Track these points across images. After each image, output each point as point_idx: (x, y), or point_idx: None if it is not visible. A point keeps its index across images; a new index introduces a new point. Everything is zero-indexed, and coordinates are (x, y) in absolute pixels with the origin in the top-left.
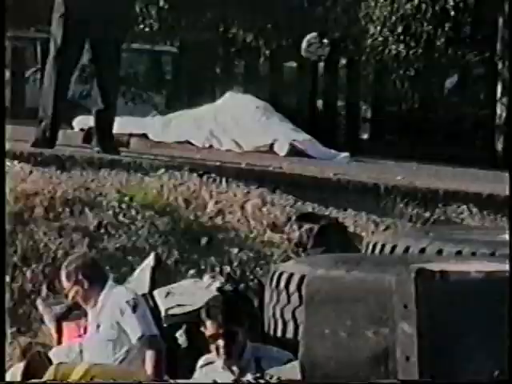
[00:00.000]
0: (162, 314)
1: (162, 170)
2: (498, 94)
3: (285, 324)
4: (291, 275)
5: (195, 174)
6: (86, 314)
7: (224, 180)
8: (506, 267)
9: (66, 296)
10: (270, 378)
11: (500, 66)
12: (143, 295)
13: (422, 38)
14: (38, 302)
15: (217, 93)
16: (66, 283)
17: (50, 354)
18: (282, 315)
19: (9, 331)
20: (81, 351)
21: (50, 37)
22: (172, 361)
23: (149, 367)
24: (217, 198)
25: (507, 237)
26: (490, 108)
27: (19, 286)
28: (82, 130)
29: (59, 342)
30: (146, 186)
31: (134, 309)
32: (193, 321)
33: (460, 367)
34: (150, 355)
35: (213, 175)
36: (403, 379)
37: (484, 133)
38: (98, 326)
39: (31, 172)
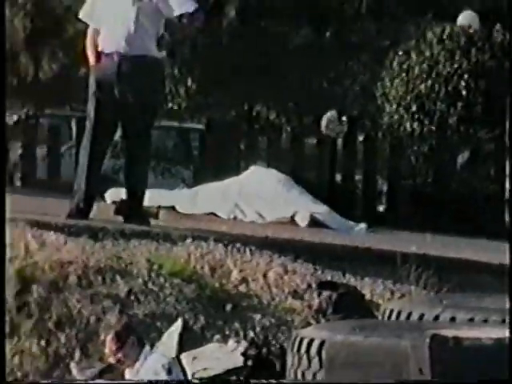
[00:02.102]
0: (189, 377)
1: (190, 240)
2: (507, 171)
3: None
4: (312, 340)
5: (220, 244)
6: (118, 377)
7: (248, 249)
8: None
9: (109, 357)
10: None
11: (509, 143)
12: (175, 357)
13: (435, 116)
14: (72, 365)
15: (241, 167)
16: (112, 345)
17: None
18: (303, 379)
19: None
20: None
21: (86, 114)
22: None
23: None
24: (241, 266)
25: None
26: (500, 183)
27: (54, 349)
28: (114, 202)
29: None
30: (174, 255)
31: (169, 372)
32: None
33: None
34: None
35: (237, 245)
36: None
37: (494, 207)
38: None
39: (66, 242)
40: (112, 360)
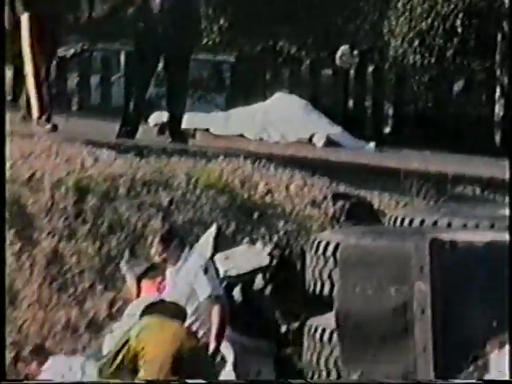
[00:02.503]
0: (221, 275)
1: (222, 158)
2: (497, 96)
3: (322, 283)
4: (328, 243)
5: (249, 161)
6: (161, 274)
7: (272, 166)
8: (504, 237)
9: (155, 257)
10: None
11: (498, 73)
12: (210, 258)
13: (434, 50)
14: (122, 264)
15: (267, 94)
16: (159, 246)
17: (131, 305)
18: (320, 276)
19: (98, 287)
20: None
21: (133, 48)
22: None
23: (214, 321)
24: (266, 180)
25: (505, 212)
26: (490, 108)
27: (106, 251)
28: (156, 124)
29: (138, 296)
30: (208, 170)
31: (205, 272)
32: (246, 282)
33: (466, 319)
34: (215, 311)
35: (263, 162)
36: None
37: (485, 128)
38: (175, 284)
39: (116, 158)
40: (157, 259)
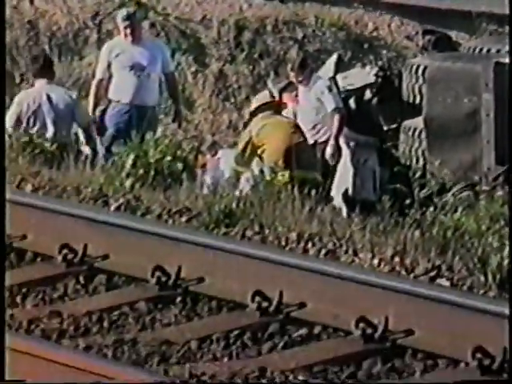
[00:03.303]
0: (341, 89)
1: (341, 3)
2: None
3: (414, 95)
4: (419, 66)
5: (361, 6)
6: (296, 90)
7: (378, 10)
8: None
9: (292, 78)
10: None
11: None
12: (332, 77)
13: None
14: (268, 81)
15: None
16: (293, 72)
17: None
18: (412, 90)
19: (251, 97)
20: (294, 113)
21: None
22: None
23: (335, 125)
24: (374, 20)
25: None
26: None
27: (257, 72)
28: None
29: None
30: (331, 13)
31: (330, 89)
32: (358, 94)
33: None
34: (336, 118)
35: (372, 7)
36: None
37: None
38: (308, 98)
39: (265, 4)
40: (294, 80)
